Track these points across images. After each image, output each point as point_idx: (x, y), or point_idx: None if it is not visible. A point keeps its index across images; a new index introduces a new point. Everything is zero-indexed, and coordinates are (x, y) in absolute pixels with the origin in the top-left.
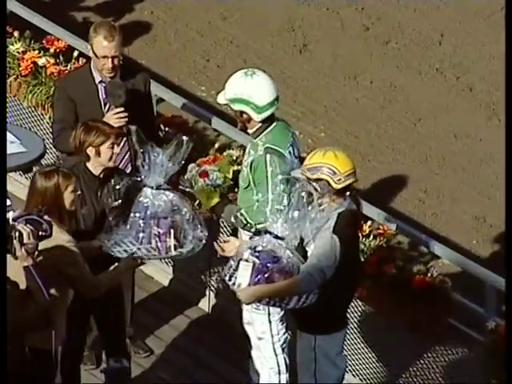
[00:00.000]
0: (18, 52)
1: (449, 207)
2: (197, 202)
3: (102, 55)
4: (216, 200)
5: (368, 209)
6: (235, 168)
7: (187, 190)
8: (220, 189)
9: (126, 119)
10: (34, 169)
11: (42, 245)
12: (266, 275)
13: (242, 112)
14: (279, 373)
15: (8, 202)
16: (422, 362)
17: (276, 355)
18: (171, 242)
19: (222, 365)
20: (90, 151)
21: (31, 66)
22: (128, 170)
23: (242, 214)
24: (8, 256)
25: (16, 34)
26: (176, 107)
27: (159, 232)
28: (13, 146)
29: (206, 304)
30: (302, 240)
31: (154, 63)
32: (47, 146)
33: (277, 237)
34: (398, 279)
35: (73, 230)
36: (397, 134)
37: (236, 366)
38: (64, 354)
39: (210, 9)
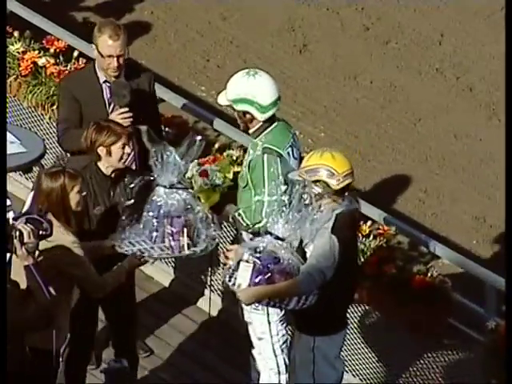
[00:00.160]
0: (18, 52)
1: (449, 207)
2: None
3: (108, 54)
4: (215, 200)
5: (368, 209)
6: (235, 169)
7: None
8: (219, 188)
9: (131, 119)
10: (34, 169)
11: (46, 245)
12: (266, 276)
13: (245, 112)
14: (279, 373)
15: (8, 202)
16: (421, 362)
17: (276, 356)
18: (184, 240)
19: (222, 365)
20: (101, 151)
21: (31, 66)
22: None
23: (239, 215)
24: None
25: (16, 34)
26: (176, 107)
27: (172, 231)
28: (13, 147)
29: (206, 304)
30: (301, 241)
31: (154, 63)
32: (47, 146)
33: (277, 238)
34: (397, 279)
35: (85, 230)
36: (397, 134)
37: (236, 367)
38: (70, 354)
39: (210, 9)
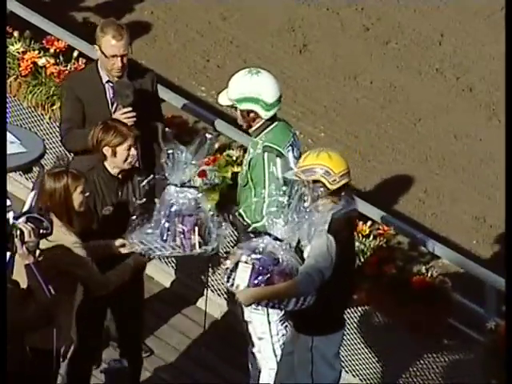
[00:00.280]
0: (18, 52)
1: (449, 207)
2: None
3: (112, 54)
4: (215, 199)
5: (368, 209)
6: (235, 169)
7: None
8: (219, 188)
9: (135, 119)
10: (34, 169)
11: (47, 245)
12: (265, 277)
13: (248, 111)
14: None
15: (8, 202)
16: (421, 362)
17: (275, 355)
18: (196, 239)
19: (222, 365)
20: (107, 151)
21: (31, 66)
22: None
23: (239, 214)
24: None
25: (16, 34)
26: (176, 107)
27: (184, 229)
28: (13, 147)
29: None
30: (297, 241)
31: (154, 63)
32: (47, 146)
33: (276, 238)
34: (397, 279)
35: (94, 230)
36: (397, 134)
37: (236, 367)
38: (76, 354)
39: (210, 9)
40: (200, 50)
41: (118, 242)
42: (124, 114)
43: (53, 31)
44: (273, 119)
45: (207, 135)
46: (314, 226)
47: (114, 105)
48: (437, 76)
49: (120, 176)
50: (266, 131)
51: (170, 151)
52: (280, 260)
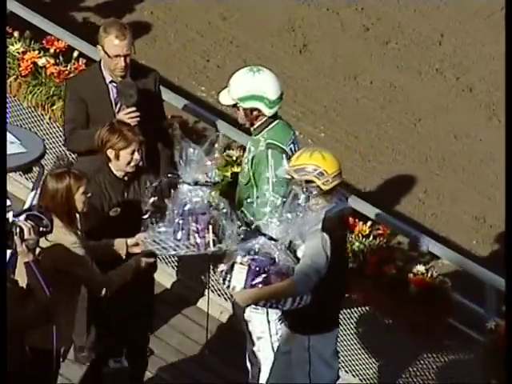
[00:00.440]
0: (18, 52)
1: (449, 207)
2: None
3: (115, 54)
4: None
5: (368, 209)
6: (235, 169)
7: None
8: (219, 186)
9: (138, 119)
10: (34, 169)
11: (46, 245)
12: (263, 277)
13: (252, 109)
14: None
15: (8, 202)
16: (421, 362)
17: None
18: (210, 237)
19: (222, 365)
20: (110, 153)
21: (31, 66)
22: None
23: (242, 212)
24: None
25: (16, 34)
26: (176, 107)
27: (198, 228)
28: (13, 147)
29: (206, 305)
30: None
31: (154, 63)
32: (47, 147)
33: (271, 238)
34: (397, 279)
35: (102, 232)
36: (397, 134)
37: (236, 367)
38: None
39: (210, 9)
40: (200, 50)
41: (131, 240)
42: (128, 114)
43: (53, 31)
44: (274, 117)
45: (219, 134)
46: (308, 225)
47: (118, 105)
48: (437, 76)
49: (126, 178)
50: (267, 129)
51: (182, 150)
52: (276, 260)
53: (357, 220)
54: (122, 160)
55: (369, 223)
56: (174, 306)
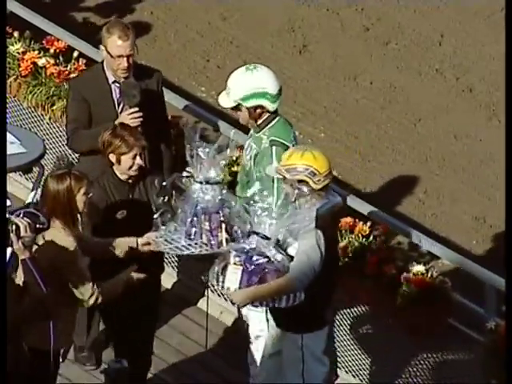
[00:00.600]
0: (18, 52)
1: (449, 207)
2: None
3: (118, 55)
4: None
5: (368, 209)
6: (234, 168)
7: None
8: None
9: (141, 119)
10: (34, 169)
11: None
12: (258, 277)
13: (255, 107)
14: None
15: (8, 203)
16: (421, 362)
17: None
18: (223, 236)
19: (222, 365)
20: (112, 157)
21: (31, 66)
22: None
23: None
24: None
25: (16, 34)
26: (176, 107)
27: (211, 227)
28: (13, 147)
29: (206, 305)
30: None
31: (154, 63)
32: (47, 147)
33: (264, 237)
34: (397, 279)
35: (110, 235)
36: (397, 134)
37: (237, 367)
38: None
39: (210, 9)
40: (200, 50)
41: (142, 240)
42: (130, 115)
43: (53, 31)
44: (274, 114)
45: (233, 132)
46: (300, 223)
47: (121, 105)
48: (437, 76)
49: (130, 180)
50: (268, 126)
51: (193, 149)
52: (271, 258)
53: (357, 220)
54: (124, 164)
55: (369, 223)
56: (174, 306)
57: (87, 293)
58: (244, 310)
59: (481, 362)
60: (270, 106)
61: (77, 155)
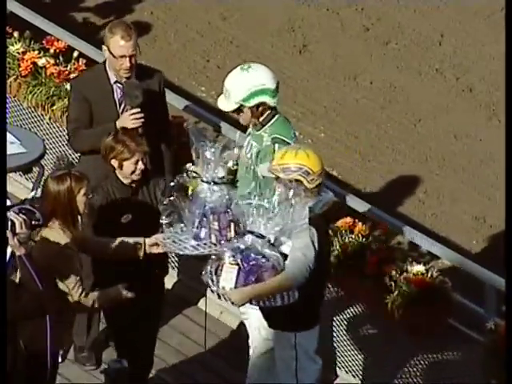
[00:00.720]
0: (18, 52)
1: (449, 207)
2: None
3: (120, 55)
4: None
5: (368, 209)
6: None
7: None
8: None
9: (143, 120)
10: (34, 169)
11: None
12: (255, 275)
13: (258, 105)
14: None
15: (8, 203)
16: (421, 362)
17: None
18: (232, 235)
19: (222, 366)
20: (114, 163)
21: (31, 66)
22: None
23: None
24: None
25: (16, 34)
26: (176, 107)
27: (219, 226)
28: (13, 147)
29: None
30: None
31: (154, 63)
32: (47, 147)
33: (259, 236)
34: (397, 279)
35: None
36: (397, 134)
37: (237, 368)
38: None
39: (210, 9)
40: (200, 50)
41: (150, 240)
42: (132, 115)
43: (53, 31)
44: (274, 111)
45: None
46: (294, 222)
47: (122, 105)
48: (437, 76)
49: (133, 184)
50: (268, 124)
51: (200, 149)
52: (267, 256)
53: (357, 220)
54: (126, 170)
55: (369, 223)
56: (175, 306)
57: (71, 285)
58: (242, 308)
59: (481, 362)
60: (271, 102)
61: (77, 155)
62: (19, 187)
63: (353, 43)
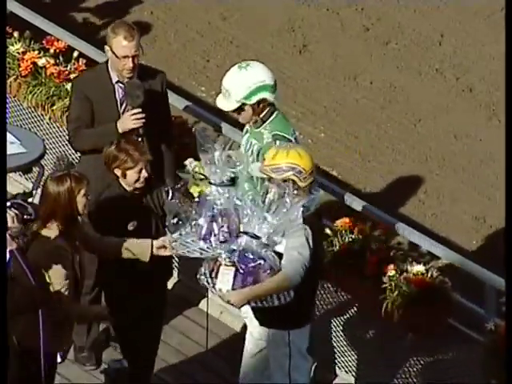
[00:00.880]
0: (18, 52)
1: (449, 207)
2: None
3: (123, 55)
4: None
5: (368, 209)
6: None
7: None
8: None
9: (144, 120)
10: (34, 169)
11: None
12: (252, 277)
13: (259, 102)
14: None
15: (8, 203)
16: (421, 362)
17: None
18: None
19: (222, 365)
20: (117, 171)
21: (31, 66)
22: None
23: None
24: None
25: (16, 34)
26: (176, 108)
27: (229, 228)
28: (13, 147)
29: (206, 306)
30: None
31: (154, 63)
32: (47, 147)
33: (254, 236)
34: (397, 279)
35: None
36: (397, 134)
37: (236, 367)
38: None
39: (210, 9)
40: (200, 50)
41: (157, 242)
42: (133, 115)
43: (53, 31)
44: (273, 107)
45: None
46: (288, 221)
47: (123, 105)
48: (437, 76)
49: (137, 191)
50: (268, 121)
51: (208, 151)
52: (264, 257)
53: (357, 220)
54: (129, 178)
55: (369, 223)
56: (175, 306)
57: (57, 286)
58: (243, 308)
59: (481, 362)
60: (272, 97)
61: (78, 155)
62: (19, 187)
63: (353, 43)
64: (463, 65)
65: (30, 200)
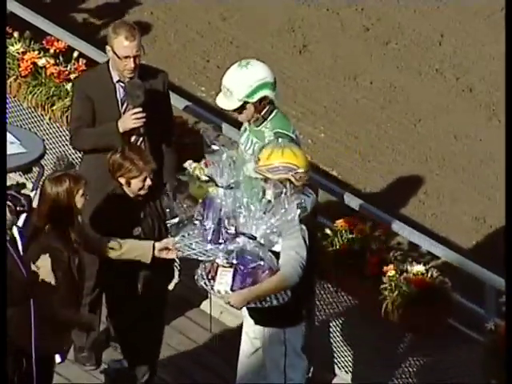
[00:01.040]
0: (18, 53)
1: (449, 208)
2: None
3: (124, 55)
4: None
5: (368, 209)
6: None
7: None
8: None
9: (144, 120)
10: (34, 169)
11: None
12: (252, 278)
13: (260, 100)
14: None
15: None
16: (421, 362)
17: None
18: None
19: (222, 365)
20: (121, 179)
21: (31, 66)
22: None
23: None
24: None
25: (16, 34)
26: (176, 108)
27: (236, 231)
28: (13, 147)
29: (207, 306)
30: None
31: (154, 64)
32: (47, 147)
33: (251, 237)
34: (397, 279)
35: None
36: (397, 134)
37: (236, 367)
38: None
39: (210, 9)
40: (200, 51)
41: (159, 245)
42: (134, 115)
43: (53, 32)
44: (273, 106)
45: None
46: (285, 221)
47: (125, 105)
48: (437, 76)
49: (140, 197)
50: (268, 119)
51: (215, 153)
52: (261, 257)
53: (357, 220)
54: (134, 187)
55: (369, 223)
56: (175, 306)
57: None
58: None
59: (481, 362)
60: (273, 95)
61: (78, 155)
62: (12, 180)
63: (353, 43)
64: (463, 65)
65: (23, 191)
